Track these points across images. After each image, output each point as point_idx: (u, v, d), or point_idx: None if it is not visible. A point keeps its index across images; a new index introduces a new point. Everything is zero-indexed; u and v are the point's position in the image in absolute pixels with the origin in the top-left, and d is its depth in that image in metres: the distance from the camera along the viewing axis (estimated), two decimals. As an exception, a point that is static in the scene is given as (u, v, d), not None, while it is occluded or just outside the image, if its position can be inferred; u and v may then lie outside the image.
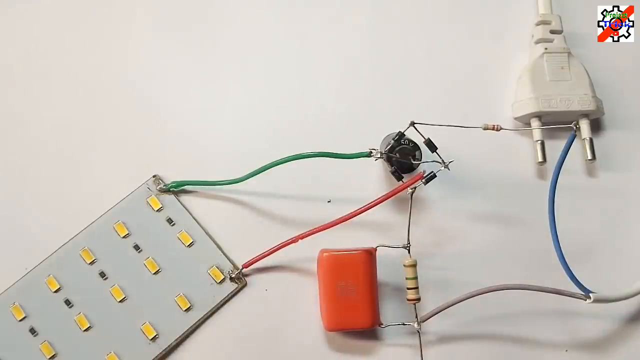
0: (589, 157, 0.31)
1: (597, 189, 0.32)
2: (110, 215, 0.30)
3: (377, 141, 0.30)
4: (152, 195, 0.30)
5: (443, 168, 0.28)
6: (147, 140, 0.32)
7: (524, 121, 0.32)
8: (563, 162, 0.27)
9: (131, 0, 0.34)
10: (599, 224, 0.31)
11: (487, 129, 0.28)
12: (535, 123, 0.32)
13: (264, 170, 0.29)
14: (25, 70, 0.33)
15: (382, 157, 0.29)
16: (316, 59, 0.34)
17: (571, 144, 0.28)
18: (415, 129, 0.28)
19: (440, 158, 0.28)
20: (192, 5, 0.35)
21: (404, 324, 0.28)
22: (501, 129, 0.28)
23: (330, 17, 0.35)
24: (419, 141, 0.28)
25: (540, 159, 0.31)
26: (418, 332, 0.27)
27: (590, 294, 0.27)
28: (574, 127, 0.27)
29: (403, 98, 0.33)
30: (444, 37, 0.34)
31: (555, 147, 0.31)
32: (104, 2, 0.34)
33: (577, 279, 0.27)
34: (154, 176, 0.31)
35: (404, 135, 0.29)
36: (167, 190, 0.30)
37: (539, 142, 0.31)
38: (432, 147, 0.28)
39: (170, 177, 0.31)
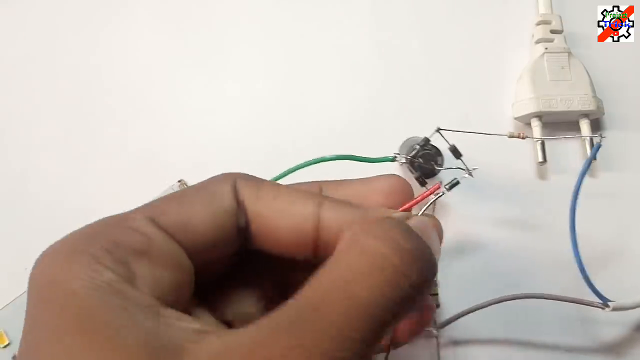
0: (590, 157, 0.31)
1: (597, 189, 0.32)
2: (110, 216, 0.30)
3: (377, 143, 0.30)
4: (153, 196, 0.30)
5: (467, 175, 0.27)
6: (147, 140, 0.32)
7: (525, 121, 0.32)
8: (586, 171, 0.27)
9: (133, 1, 0.34)
10: (599, 224, 0.31)
11: (513, 137, 0.28)
12: (535, 123, 0.32)
13: (288, 174, 0.27)
14: (27, 70, 0.33)
15: (407, 162, 0.28)
16: (322, 62, 0.34)
17: (596, 153, 0.27)
18: (441, 135, 0.27)
19: (464, 165, 0.27)
20: (194, 6, 0.34)
21: (422, 329, 0.28)
22: (526, 137, 0.28)
23: (331, 18, 0.35)
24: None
25: (540, 159, 0.31)
26: (436, 337, 0.27)
27: (609, 303, 0.26)
28: (600, 137, 0.27)
29: (402, 98, 0.33)
30: (444, 37, 0.34)
31: (556, 147, 0.31)
32: (105, 2, 0.34)
33: (596, 289, 0.26)
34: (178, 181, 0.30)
35: (429, 141, 0.28)
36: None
37: (540, 142, 0.31)
38: (457, 153, 0.28)
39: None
